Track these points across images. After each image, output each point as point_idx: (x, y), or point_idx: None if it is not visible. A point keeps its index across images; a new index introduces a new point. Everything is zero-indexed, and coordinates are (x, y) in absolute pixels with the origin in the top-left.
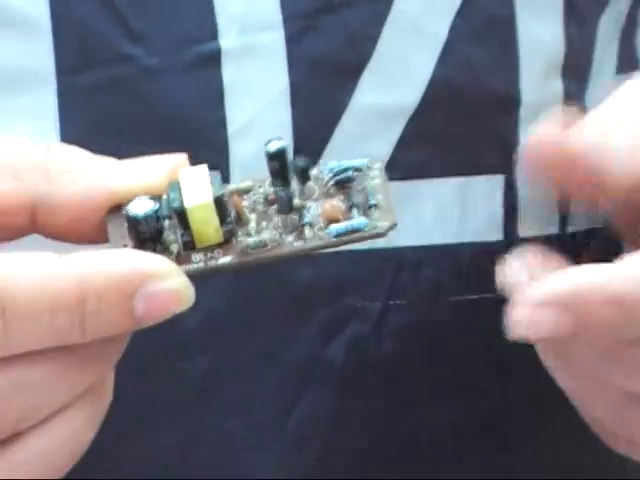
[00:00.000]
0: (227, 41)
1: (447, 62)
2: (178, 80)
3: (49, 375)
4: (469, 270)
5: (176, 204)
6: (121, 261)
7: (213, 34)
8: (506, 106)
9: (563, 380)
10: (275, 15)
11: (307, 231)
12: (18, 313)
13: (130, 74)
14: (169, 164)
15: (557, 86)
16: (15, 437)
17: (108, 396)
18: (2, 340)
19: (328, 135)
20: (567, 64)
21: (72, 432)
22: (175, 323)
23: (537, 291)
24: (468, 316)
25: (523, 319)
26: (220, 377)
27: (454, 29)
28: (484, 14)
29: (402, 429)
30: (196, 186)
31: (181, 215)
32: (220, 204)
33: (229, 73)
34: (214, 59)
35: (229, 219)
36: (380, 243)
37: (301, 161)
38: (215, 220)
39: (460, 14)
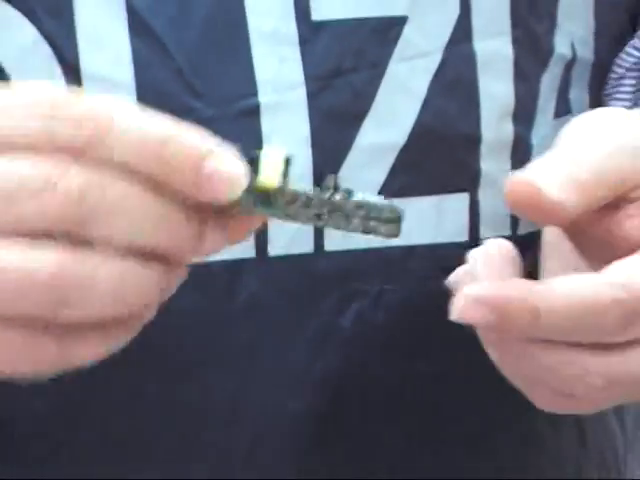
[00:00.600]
0: (264, 98)
1: (426, 111)
2: (227, 128)
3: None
4: (442, 263)
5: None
6: (195, 134)
7: (254, 92)
8: (470, 143)
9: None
10: (299, 78)
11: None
12: (117, 132)
13: (192, 123)
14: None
15: (509, 128)
16: None
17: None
18: (105, 150)
19: (338, 167)
20: (516, 112)
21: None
22: (231, 296)
23: (475, 290)
24: (443, 296)
25: (461, 307)
26: (261, 341)
27: (432, 87)
28: (454, 76)
29: (395, 377)
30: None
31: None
32: (289, 164)
33: (266, 122)
34: (254, 112)
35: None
36: (375, 244)
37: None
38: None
39: (436, 76)
